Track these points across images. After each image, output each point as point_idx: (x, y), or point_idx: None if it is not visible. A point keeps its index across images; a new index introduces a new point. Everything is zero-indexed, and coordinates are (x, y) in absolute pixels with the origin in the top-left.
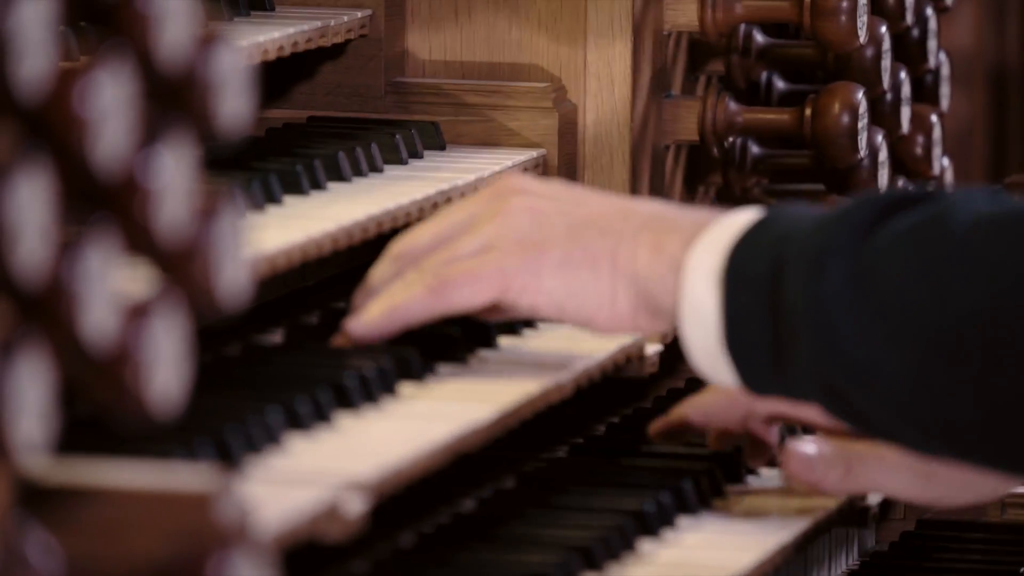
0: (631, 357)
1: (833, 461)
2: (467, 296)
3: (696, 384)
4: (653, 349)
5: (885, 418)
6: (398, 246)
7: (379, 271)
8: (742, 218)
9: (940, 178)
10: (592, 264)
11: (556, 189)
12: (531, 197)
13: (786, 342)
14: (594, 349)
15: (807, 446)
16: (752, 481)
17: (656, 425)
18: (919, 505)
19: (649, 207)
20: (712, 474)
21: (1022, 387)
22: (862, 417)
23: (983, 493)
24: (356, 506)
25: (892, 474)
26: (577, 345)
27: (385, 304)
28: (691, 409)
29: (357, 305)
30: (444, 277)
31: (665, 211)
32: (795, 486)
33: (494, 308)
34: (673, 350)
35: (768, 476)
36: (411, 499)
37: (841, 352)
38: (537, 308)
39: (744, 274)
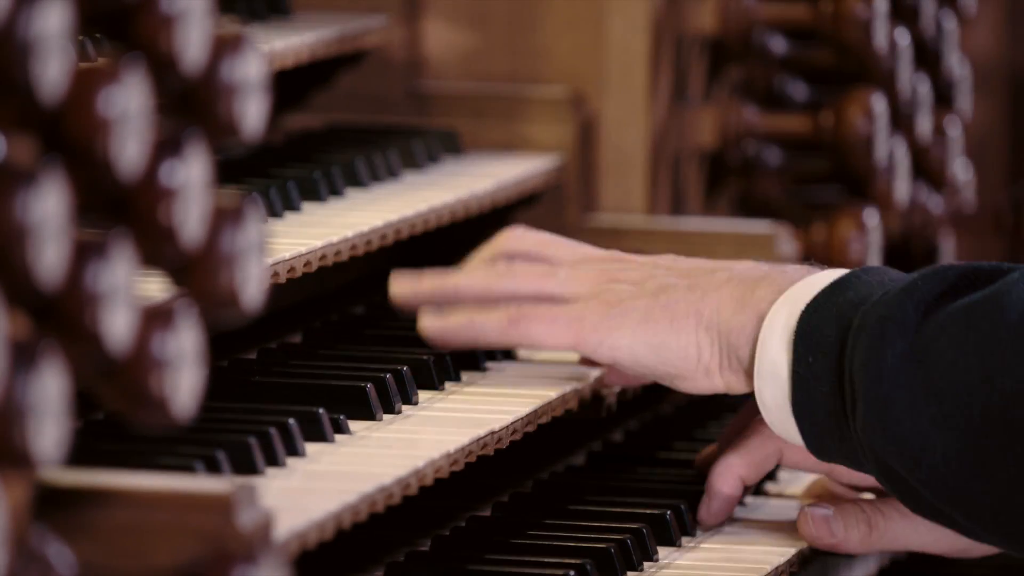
0: None
1: (853, 521)
2: (540, 335)
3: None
4: None
5: (935, 499)
6: (506, 237)
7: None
8: (825, 277)
9: (958, 185)
10: (673, 318)
11: (655, 259)
12: (629, 267)
13: (847, 411)
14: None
15: (823, 508)
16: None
17: (702, 455)
18: (950, 557)
19: (743, 263)
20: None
21: None
22: (915, 496)
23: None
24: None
25: (915, 529)
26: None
27: (465, 319)
28: (723, 481)
29: (427, 285)
30: (525, 311)
31: (758, 266)
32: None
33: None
34: None
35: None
36: (430, 505)
37: (893, 430)
38: (618, 363)
39: (813, 337)
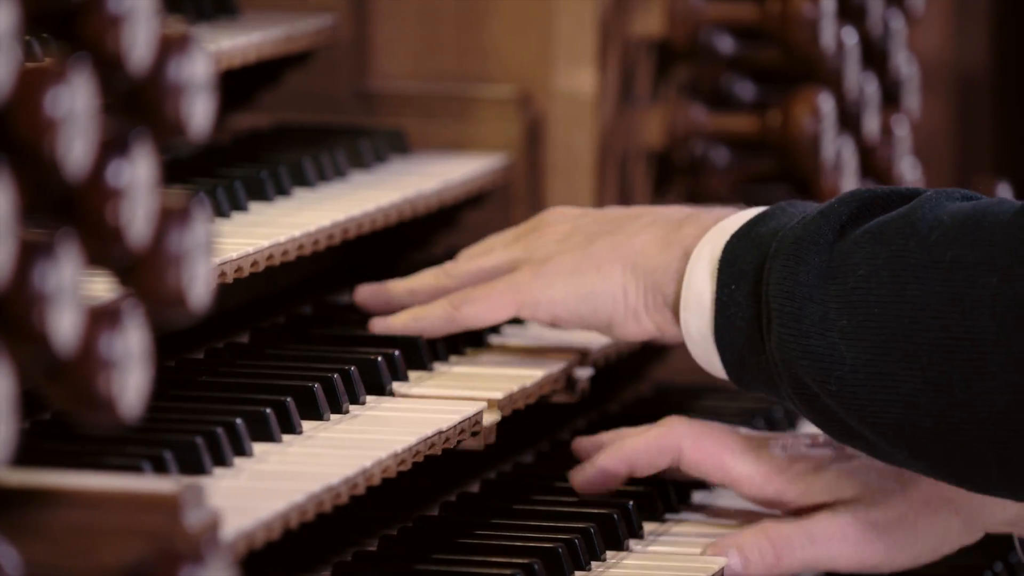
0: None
1: (759, 550)
2: (482, 313)
3: (664, 393)
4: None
5: (844, 413)
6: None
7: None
8: (751, 212)
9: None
10: (599, 266)
11: (595, 211)
12: (559, 217)
13: (763, 335)
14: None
15: (725, 545)
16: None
17: (577, 473)
18: (864, 573)
19: (667, 207)
20: (660, 494)
21: (971, 384)
22: (827, 413)
23: (923, 554)
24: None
25: (827, 550)
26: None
27: (409, 314)
28: (613, 458)
29: (380, 294)
30: (463, 295)
31: (682, 208)
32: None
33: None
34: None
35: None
36: (377, 504)
37: (805, 344)
38: (557, 318)
39: (736, 265)
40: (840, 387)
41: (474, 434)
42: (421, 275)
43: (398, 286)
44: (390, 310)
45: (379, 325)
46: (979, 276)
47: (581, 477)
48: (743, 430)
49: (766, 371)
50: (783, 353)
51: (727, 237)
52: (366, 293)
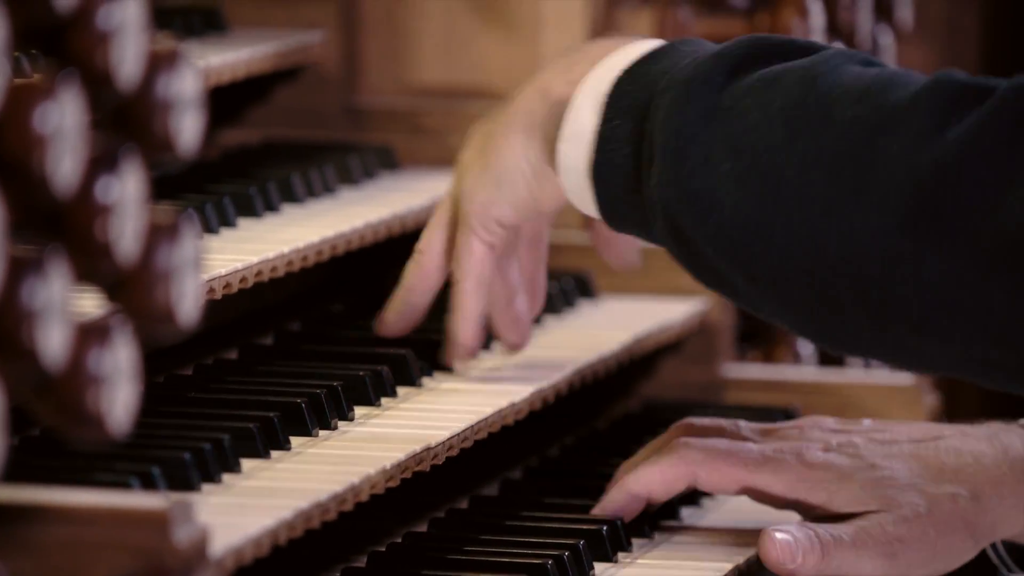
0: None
1: (811, 547)
2: (436, 241)
3: (652, 410)
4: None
5: (718, 257)
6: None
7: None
8: (644, 46)
9: None
10: (498, 150)
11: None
12: (471, 141)
13: (642, 173)
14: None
15: (786, 534)
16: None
17: (599, 510)
18: None
19: (552, 63)
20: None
21: (847, 244)
22: (700, 258)
23: (938, 569)
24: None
25: (860, 556)
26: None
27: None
28: (630, 491)
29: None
30: (420, 248)
31: (584, 44)
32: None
33: None
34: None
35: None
36: (366, 520)
37: (686, 184)
38: (500, 220)
39: (622, 100)
40: (716, 231)
41: (463, 450)
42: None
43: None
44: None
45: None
46: (878, 137)
47: (602, 506)
48: (743, 424)
49: (640, 211)
50: (661, 192)
51: (616, 72)
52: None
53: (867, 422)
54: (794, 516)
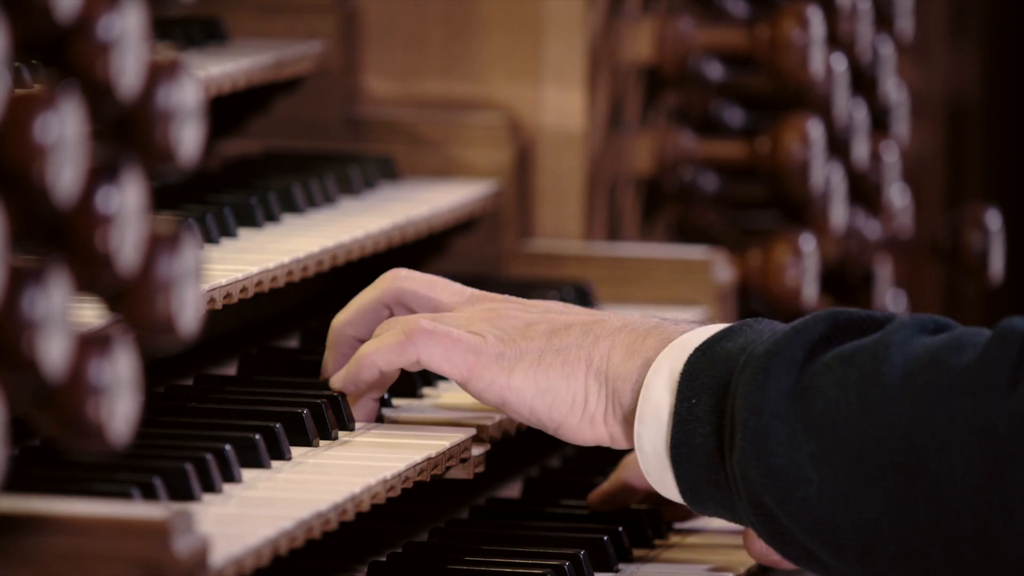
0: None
1: None
2: (437, 356)
3: None
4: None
5: (803, 535)
6: (392, 275)
7: (369, 297)
8: (715, 327)
9: (896, 210)
10: (564, 362)
11: (547, 303)
12: (520, 307)
13: (724, 450)
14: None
15: None
16: (671, 537)
17: (595, 493)
18: None
19: (634, 315)
20: (649, 520)
21: (937, 507)
22: (784, 535)
23: None
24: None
25: None
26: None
27: (358, 356)
28: (633, 472)
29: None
30: (423, 327)
31: (650, 318)
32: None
33: None
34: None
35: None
36: (366, 530)
37: (768, 462)
38: (506, 404)
39: (698, 379)
40: (801, 508)
41: (463, 461)
42: (376, 344)
43: (362, 363)
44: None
45: (337, 382)
46: (952, 399)
47: (599, 493)
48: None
49: (723, 489)
50: (744, 470)
51: (689, 351)
52: (330, 369)
53: None
54: None
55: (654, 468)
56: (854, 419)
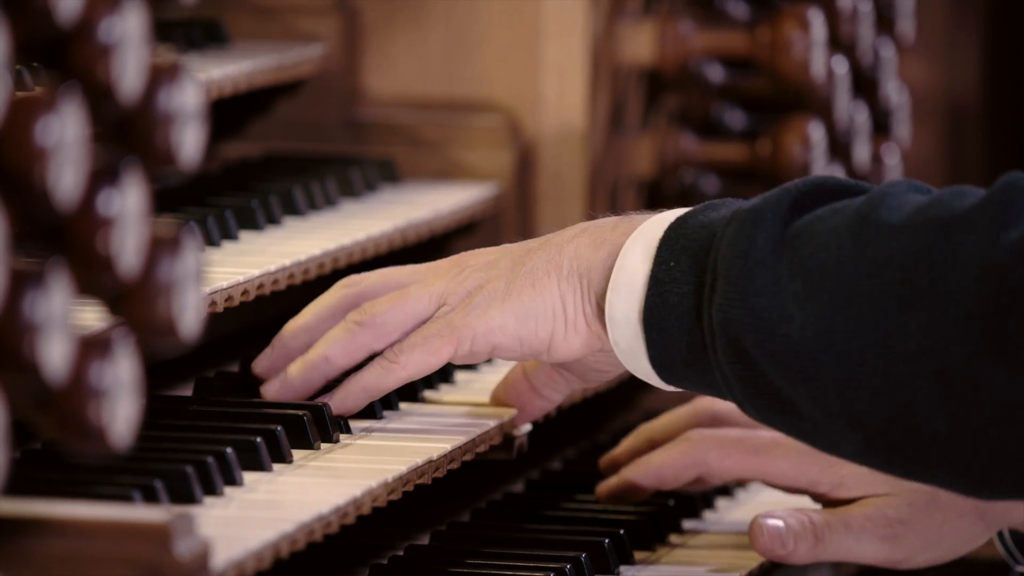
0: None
1: (802, 533)
2: (421, 361)
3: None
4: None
5: (781, 376)
6: (344, 289)
7: (325, 302)
8: (685, 208)
9: None
10: (534, 282)
11: (511, 244)
12: (480, 252)
13: (703, 304)
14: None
15: (776, 520)
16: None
17: (603, 486)
18: (887, 568)
19: (592, 220)
20: (650, 523)
21: (928, 335)
22: (759, 381)
23: (945, 554)
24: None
25: (858, 540)
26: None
27: (346, 385)
28: (641, 471)
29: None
30: (396, 348)
31: (609, 217)
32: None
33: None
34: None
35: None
36: (368, 533)
37: (752, 302)
38: (497, 347)
39: (679, 242)
40: (783, 345)
41: (464, 463)
42: (330, 339)
43: (312, 354)
44: (311, 385)
45: (332, 402)
46: (953, 234)
47: (606, 488)
48: None
49: (697, 350)
50: (724, 314)
51: (668, 222)
52: (264, 365)
53: None
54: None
55: (623, 338)
56: (845, 257)
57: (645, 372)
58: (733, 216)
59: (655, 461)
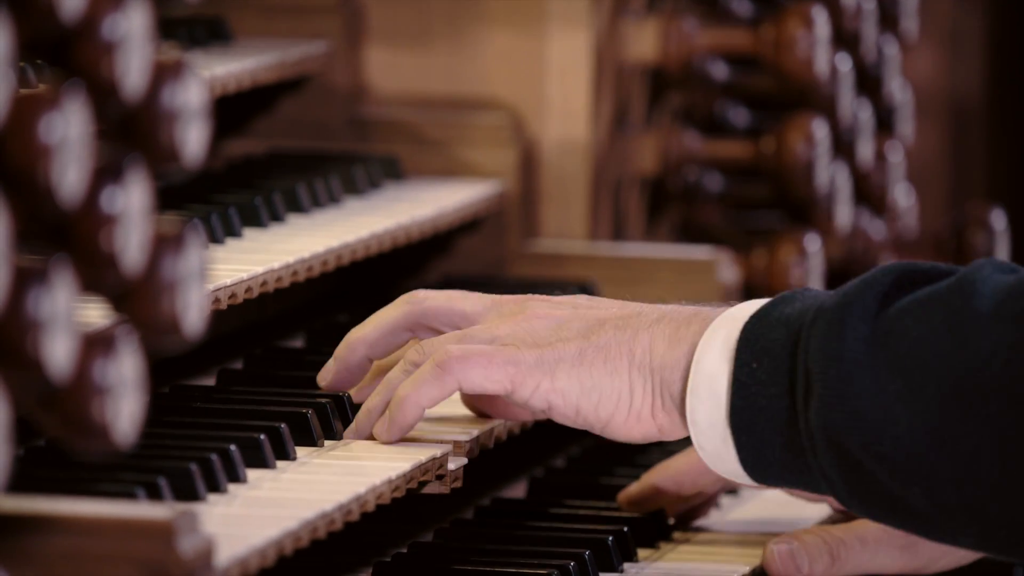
0: None
1: (817, 553)
2: (477, 378)
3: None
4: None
5: (892, 477)
6: (408, 306)
7: (389, 317)
8: (764, 300)
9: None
10: (606, 359)
11: (573, 297)
12: (548, 305)
13: (797, 406)
14: None
15: (787, 544)
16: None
17: (625, 494)
18: None
19: (669, 305)
20: (654, 520)
21: None
22: (868, 482)
23: (965, 556)
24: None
25: (875, 554)
26: None
27: (397, 397)
28: (661, 476)
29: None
30: (454, 353)
31: (685, 307)
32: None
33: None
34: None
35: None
36: (371, 531)
37: (854, 405)
38: (553, 408)
39: (759, 343)
40: (892, 447)
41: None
42: (416, 378)
43: (385, 390)
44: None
45: (381, 432)
46: None
47: (627, 496)
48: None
49: (793, 451)
50: (824, 419)
51: (744, 320)
52: (328, 380)
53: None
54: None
55: (709, 441)
56: (946, 352)
57: (734, 473)
58: (817, 315)
59: (673, 468)
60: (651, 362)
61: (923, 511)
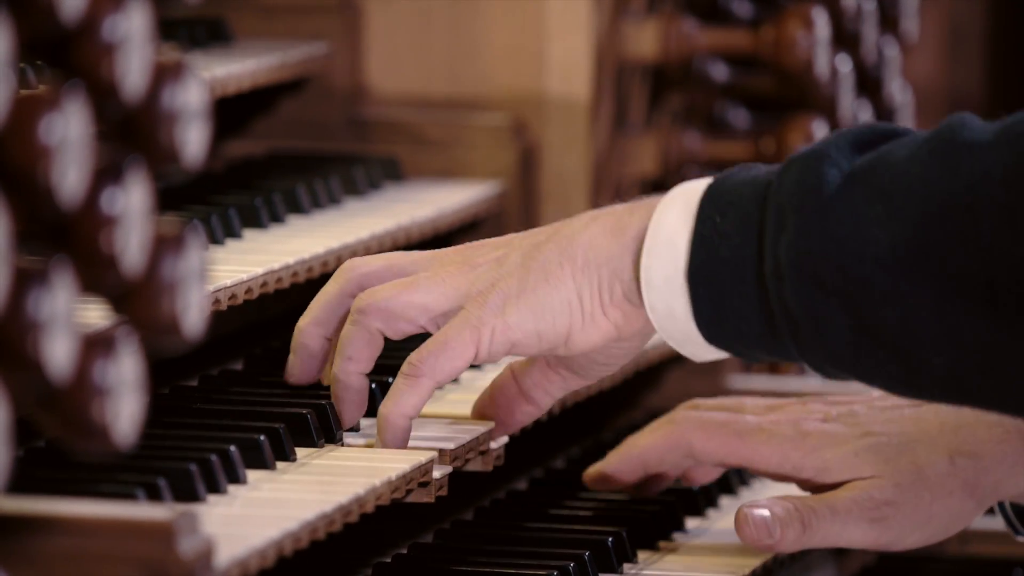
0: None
1: (788, 520)
2: (447, 366)
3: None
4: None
5: (866, 302)
6: (346, 274)
7: (329, 291)
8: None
9: None
10: (547, 277)
11: (510, 236)
12: (486, 248)
13: (764, 248)
14: None
15: (761, 510)
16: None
17: (591, 471)
18: (874, 551)
19: (602, 208)
20: (653, 521)
21: None
22: (835, 319)
23: (935, 533)
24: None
25: (845, 524)
26: None
27: (389, 419)
28: (627, 452)
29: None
30: (414, 358)
31: (625, 204)
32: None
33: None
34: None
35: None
36: (371, 532)
37: (834, 231)
38: (516, 345)
39: (725, 197)
40: (872, 270)
41: (481, 454)
42: (343, 337)
43: (337, 368)
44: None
45: (385, 440)
46: None
47: (592, 474)
48: (749, 401)
49: (753, 300)
50: (798, 249)
51: (703, 186)
52: (296, 374)
53: (876, 393)
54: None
55: (661, 300)
56: (933, 178)
57: (685, 333)
58: (790, 162)
59: (638, 444)
60: (595, 259)
61: (891, 340)
